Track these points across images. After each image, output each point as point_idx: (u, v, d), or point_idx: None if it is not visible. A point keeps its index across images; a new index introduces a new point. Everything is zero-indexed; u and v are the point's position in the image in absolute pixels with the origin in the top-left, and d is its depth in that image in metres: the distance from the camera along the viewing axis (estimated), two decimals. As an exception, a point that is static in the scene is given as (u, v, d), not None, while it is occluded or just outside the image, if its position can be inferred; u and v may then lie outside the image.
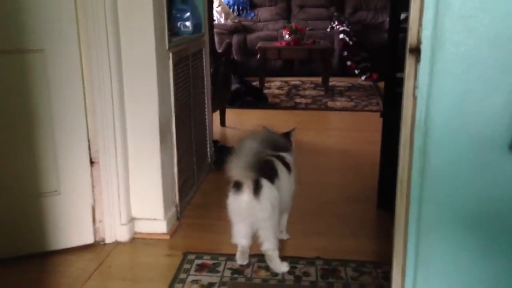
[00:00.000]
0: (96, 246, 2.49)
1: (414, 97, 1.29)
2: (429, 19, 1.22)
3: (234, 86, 5.37)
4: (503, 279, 1.45)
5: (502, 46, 1.23)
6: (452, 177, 1.34)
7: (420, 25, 1.24)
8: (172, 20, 2.90)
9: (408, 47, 1.28)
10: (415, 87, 1.28)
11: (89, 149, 2.43)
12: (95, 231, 2.51)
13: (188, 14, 3.04)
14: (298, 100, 5.76)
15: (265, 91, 6.13)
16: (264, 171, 2.15)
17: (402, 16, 2.59)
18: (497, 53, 1.24)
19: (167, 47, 2.57)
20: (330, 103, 5.60)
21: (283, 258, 2.28)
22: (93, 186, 2.47)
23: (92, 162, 2.44)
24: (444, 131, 1.30)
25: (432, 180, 1.35)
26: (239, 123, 4.85)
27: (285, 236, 2.51)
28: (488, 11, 1.21)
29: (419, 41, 1.25)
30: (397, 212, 1.43)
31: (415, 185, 1.35)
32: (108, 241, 2.52)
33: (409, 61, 1.28)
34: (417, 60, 1.26)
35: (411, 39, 1.27)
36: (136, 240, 2.56)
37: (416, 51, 1.25)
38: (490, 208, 1.37)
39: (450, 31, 1.23)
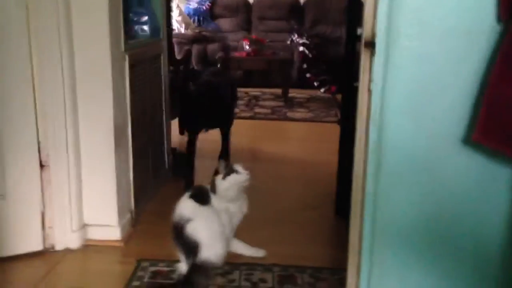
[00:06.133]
0: (45, 254, 2.38)
1: (369, 91, 1.29)
2: (384, 12, 1.23)
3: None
4: (453, 276, 1.46)
5: (455, 41, 1.25)
6: (406, 172, 1.35)
7: (374, 18, 1.25)
8: (129, 23, 2.85)
9: (363, 41, 1.28)
10: (370, 81, 1.29)
11: (39, 152, 2.33)
12: (44, 238, 2.39)
13: (146, 18, 3.01)
14: (257, 110, 5.76)
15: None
16: None
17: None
18: (450, 47, 1.26)
19: (123, 49, 2.51)
20: (289, 114, 5.63)
21: (240, 264, 2.25)
22: (42, 191, 2.36)
23: (42, 166, 2.34)
24: (398, 125, 1.31)
25: (387, 175, 1.35)
26: (198, 132, 4.78)
27: None
28: (440, 5, 1.23)
29: (373, 35, 1.25)
30: (352, 208, 1.42)
31: (370, 179, 1.35)
32: (58, 248, 2.41)
33: (364, 55, 1.29)
34: (372, 53, 1.26)
35: (366, 33, 1.28)
36: (88, 247, 2.46)
37: (371, 44, 1.26)
38: (443, 205, 1.38)
39: (404, 24, 1.25)
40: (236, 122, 5.22)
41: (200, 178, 3.20)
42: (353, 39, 2.66)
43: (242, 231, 2.40)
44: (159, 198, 3.10)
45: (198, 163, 3.34)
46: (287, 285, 2.18)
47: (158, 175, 3.20)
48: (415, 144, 1.32)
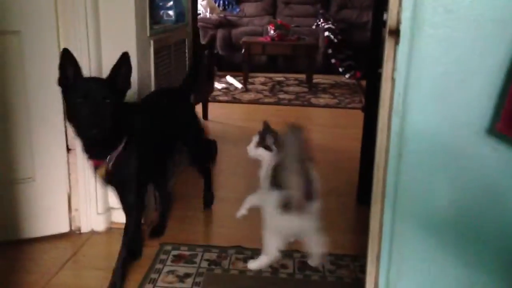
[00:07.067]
0: (71, 235, 2.45)
1: (392, 80, 1.28)
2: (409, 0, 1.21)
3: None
4: (475, 266, 1.45)
5: (481, 29, 1.22)
6: (429, 162, 1.33)
7: (400, 6, 1.23)
8: (154, 8, 2.86)
9: (387, 29, 1.26)
10: (393, 69, 1.27)
11: (66, 135, 2.37)
12: (70, 220, 2.46)
13: (171, 3, 3.01)
14: (281, 96, 5.74)
15: (249, 86, 6.12)
16: None
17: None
18: (476, 35, 1.23)
19: (148, 34, 2.53)
20: (313, 100, 5.60)
21: (261, 250, 2.27)
22: (69, 174, 2.42)
23: (69, 149, 2.39)
24: (421, 115, 1.29)
25: (408, 165, 1.34)
26: (222, 117, 4.81)
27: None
28: (467, -8, 1.20)
29: (398, 23, 1.23)
30: (373, 197, 1.42)
31: (391, 170, 1.34)
32: (84, 230, 2.47)
33: (388, 43, 1.27)
34: (396, 42, 1.24)
35: (390, 21, 1.25)
36: (113, 230, 2.51)
37: (396, 33, 1.24)
38: (465, 195, 1.36)
39: (430, 12, 1.22)
40: (259, 107, 5.26)
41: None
42: (380, 24, 2.65)
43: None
44: (181, 182, 3.14)
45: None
46: (308, 271, 2.19)
47: (178, 162, 3.23)
48: (438, 134, 1.31)
